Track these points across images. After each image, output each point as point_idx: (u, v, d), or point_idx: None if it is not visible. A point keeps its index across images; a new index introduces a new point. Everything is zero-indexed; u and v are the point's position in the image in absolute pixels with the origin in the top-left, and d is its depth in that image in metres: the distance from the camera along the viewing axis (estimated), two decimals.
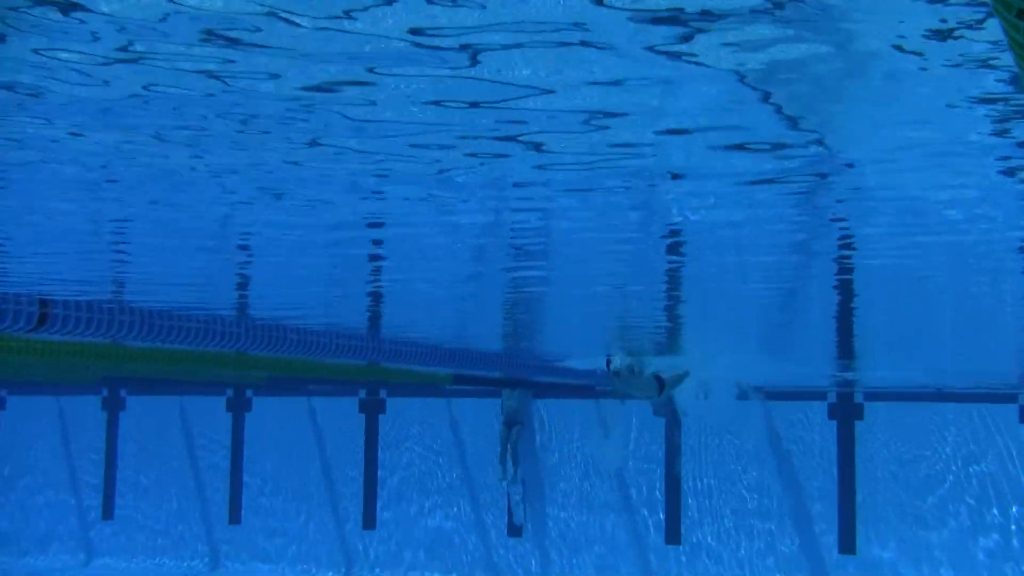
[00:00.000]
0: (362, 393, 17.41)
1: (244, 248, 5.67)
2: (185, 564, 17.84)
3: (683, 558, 15.72)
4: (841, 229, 4.66)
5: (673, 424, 15.81)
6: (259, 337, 8.86)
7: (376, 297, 7.06)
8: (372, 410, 17.41)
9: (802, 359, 11.60)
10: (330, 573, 17.11)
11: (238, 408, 17.98)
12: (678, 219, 4.55)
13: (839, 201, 4.16)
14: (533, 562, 16.43)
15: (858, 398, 15.29)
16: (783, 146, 3.35)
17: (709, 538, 15.64)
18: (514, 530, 16.60)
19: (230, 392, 17.88)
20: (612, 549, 16.07)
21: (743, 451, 15.69)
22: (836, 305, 7.03)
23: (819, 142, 3.39)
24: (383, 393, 17.33)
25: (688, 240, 5.14)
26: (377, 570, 17.01)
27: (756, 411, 15.71)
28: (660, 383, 10.89)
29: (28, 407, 18.92)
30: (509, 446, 16.62)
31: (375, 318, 8.66)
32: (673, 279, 6.13)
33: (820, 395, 15.49)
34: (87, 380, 16.37)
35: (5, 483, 18.97)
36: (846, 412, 15.36)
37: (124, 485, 18.41)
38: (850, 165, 3.72)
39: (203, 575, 17.30)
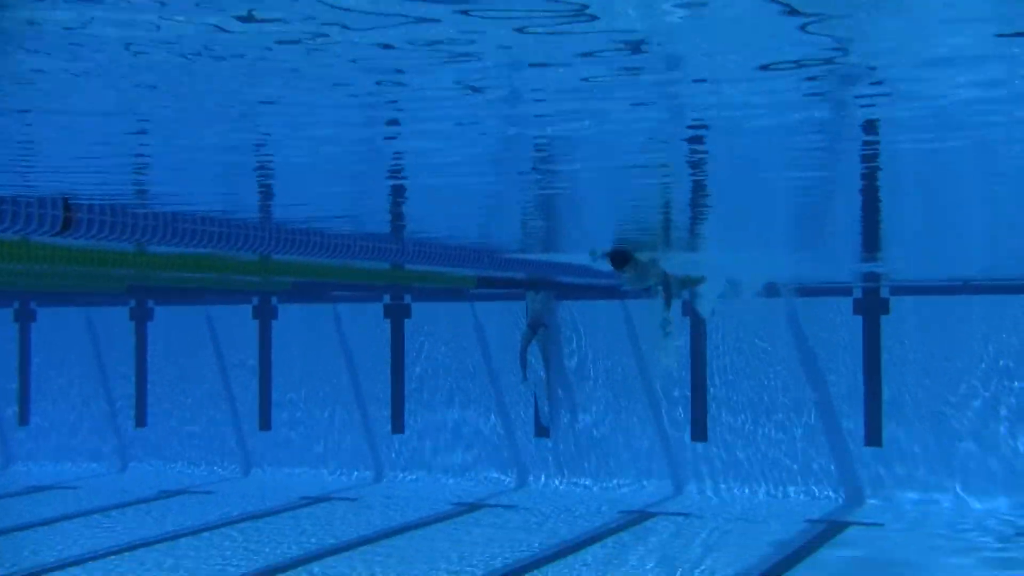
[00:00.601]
0: (387, 298, 17.49)
1: (262, 145, 5.59)
2: (218, 469, 18.15)
3: (710, 455, 15.85)
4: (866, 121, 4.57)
5: (698, 322, 15.83)
6: (283, 240, 8.88)
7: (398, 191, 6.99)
8: (397, 315, 17.50)
9: (827, 254, 11.50)
10: (361, 476, 17.37)
11: (264, 316, 18.11)
12: (698, 108, 4.47)
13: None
14: (561, 462, 16.63)
15: (884, 292, 15.24)
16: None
17: (735, 435, 15.76)
18: (542, 431, 16.77)
19: (256, 300, 18.00)
20: (639, 447, 16.22)
21: (768, 348, 15.71)
22: (861, 194, 6.93)
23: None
24: (407, 298, 17.41)
25: (710, 130, 5.06)
26: (407, 473, 17.26)
27: (781, 308, 15.71)
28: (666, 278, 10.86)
29: (57, 318, 19.14)
30: (536, 348, 16.71)
31: (398, 219, 8.62)
32: (697, 170, 6.04)
33: (845, 290, 15.44)
34: (114, 290, 16.52)
35: (40, 394, 19.26)
36: (872, 307, 15.32)
37: (155, 394, 18.66)
38: (873, 68, 3.65)
39: (236, 480, 17.59)
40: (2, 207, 6.53)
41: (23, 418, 19.30)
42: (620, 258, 10.20)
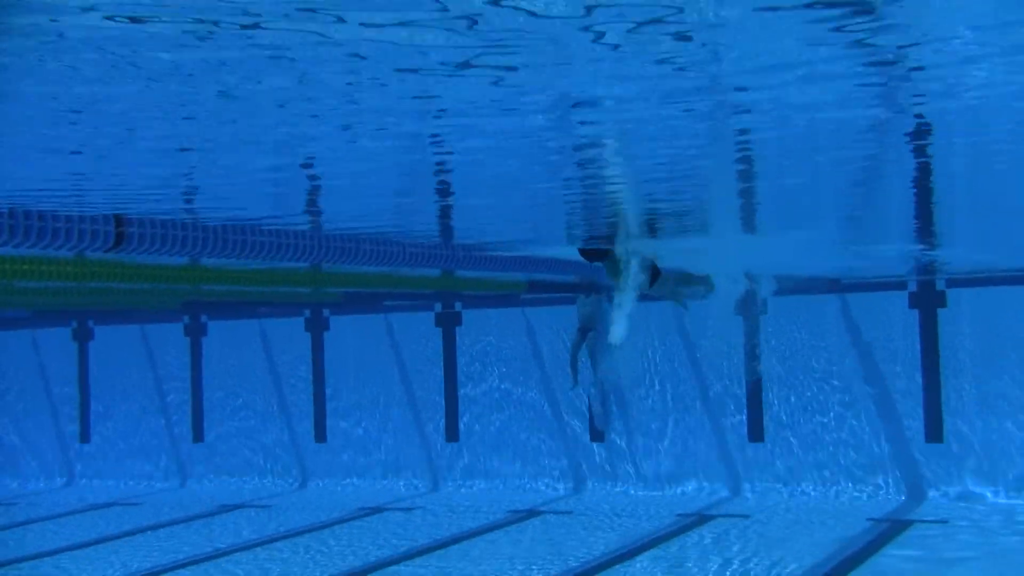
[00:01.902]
0: (438, 307, 17.53)
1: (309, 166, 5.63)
2: (275, 482, 18.27)
3: (768, 454, 15.70)
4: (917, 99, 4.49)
5: (752, 321, 15.70)
6: (334, 249, 8.92)
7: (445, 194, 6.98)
8: (449, 323, 17.54)
9: (880, 241, 11.27)
10: (417, 485, 17.40)
11: (316, 328, 18.23)
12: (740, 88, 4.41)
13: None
14: (616, 466, 16.55)
15: (940, 285, 15.02)
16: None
17: (792, 434, 15.60)
18: (596, 435, 16.71)
19: (308, 312, 18.13)
20: (695, 449, 16.10)
21: (823, 345, 15.54)
22: (914, 180, 6.81)
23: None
24: (458, 306, 17.43)
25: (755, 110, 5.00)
26: (463, 480, 17.27)
27: (835, 304, 15.54)
28: (655, 273, 9.66)
29: (114, 336, 19.39)
30: (586, 351, 16.66)
31: (446, 224, 8.63)
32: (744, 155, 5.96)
33: (900, 284, 15.24)
34: (168, 306, 16.72)
35: (100, 410, 19.51)
36: (928, 300, 15.10)
37: (211, 408, 18.84)
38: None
39: (293, 493, 17.70)
40: (56, 225, 6.62)
41: (84, 436, 19.57)
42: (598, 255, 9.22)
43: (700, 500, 15.44)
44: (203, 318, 18.81)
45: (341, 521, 14.89)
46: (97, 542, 13.98)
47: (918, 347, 15.09)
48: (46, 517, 16.28)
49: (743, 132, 5.03)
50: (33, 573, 12.17)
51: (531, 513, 14.97)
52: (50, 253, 8.34)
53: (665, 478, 16.22)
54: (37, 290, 11.73)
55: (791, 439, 15.61)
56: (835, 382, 15.46)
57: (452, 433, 17.44)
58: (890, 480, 15.07)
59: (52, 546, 13.75)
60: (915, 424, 15.02)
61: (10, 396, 20.02)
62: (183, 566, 12.21)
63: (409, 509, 15.73)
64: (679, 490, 16.03)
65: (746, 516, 14.10)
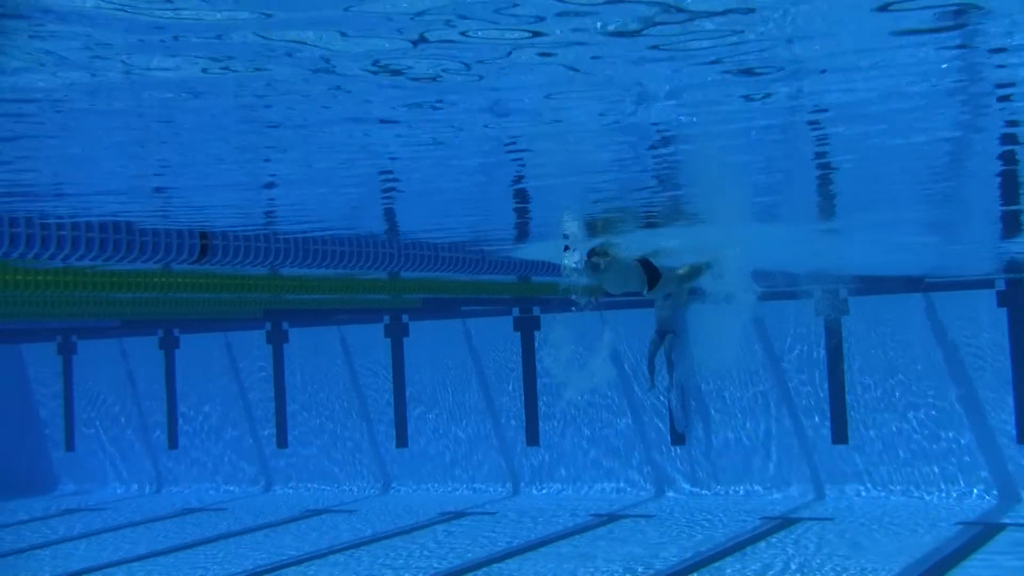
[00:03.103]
0: (516, 311, 17.56)
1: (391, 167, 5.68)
2: (357, 487, 18.45)
3: (852, 457, 15.46)
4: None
5: (834, 321, 15.48)
6: (412, 257, 8.99)
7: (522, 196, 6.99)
8: (527, 327, 17.56)
9: (964, 239, 10.99)
10: (497, 490, 17.45)
11: (396, 333, 18.38)
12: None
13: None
14: (698, 468, 16.43)
15: None
16: None
17: (877, 435, 15.34)
18: (677, 438, 16.60)
19: (387, 318, 18.28)
20: (778, 452, 15.92)
21: (907, 345, 15.27)
22: (1000, 172, 6.65)
23: None
24: (536, 310, 17.45)
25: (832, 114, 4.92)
26: (543, 485, 17.28)
27: (919, 304, 15.26)
28: (649, 272, 8.83)
29: (199, 344, 19.75)
30: (664, 355, 16.56)
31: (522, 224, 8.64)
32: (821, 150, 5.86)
33: (987, 283, 14.91)
34: (251, 314, 16.97)
35: (184, 418, 19.88)
36: (1017, 298, 14.75)
37: (293, 415, 19.08)
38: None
39: (375, 498, 17.85)
40: (144, 239, 6.77)
41: (172, 442, 19.96)
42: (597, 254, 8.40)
43: (784, 503, 15.25)
44: (284, 325, 19.07)
45: (424, 526, 14.98)
46: (186, 547, 14.24)
47: (1007, 346, 14.75)
48: (136, 522, 16.63)
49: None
50: (129, 575, 12.45)
51: (612, 517, 14.92)
52: (138, 266, 8.54)
53: (747, 480, 16.06)
54: (126, 301, 12.02)
55: (876, 441, 15.35)
56: (920, 382, 15.17)
57: (532, 437, 17.46)
58: (980, 482, 14.75)
59: (143, 551, 14.04)
60: (1006, 424, 14.67)
61: (100, 404, 20.50)
62: (270, 571, 12.38)
63: (490, 513, 15.77)
64: (761, 493, 15.85)
65: (830, 519, 13.90)
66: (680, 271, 9.40)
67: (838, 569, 11.03)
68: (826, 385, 15.75)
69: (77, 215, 6.53)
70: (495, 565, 12.14)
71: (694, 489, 16.37)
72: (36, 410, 20.98)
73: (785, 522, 13.88)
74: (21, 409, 20.94)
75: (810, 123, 4.89)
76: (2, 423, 20.46)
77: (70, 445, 20.76)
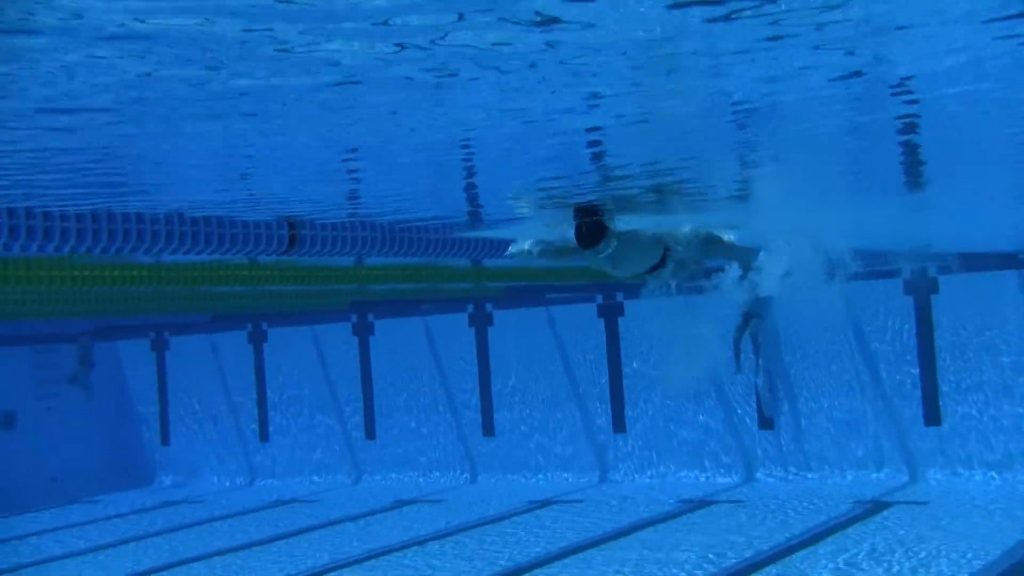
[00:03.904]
0: (599, 298, 17.53)
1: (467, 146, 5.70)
2: (445, 477, 18.59)
3: (946, 439, 15.16)
4: None
5: (923, 302, 15.19)
6: (493, 244, 9.03)
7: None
8: (611, 314, 17.51)
9: None
10: (584, 478, 17.45)
11: (480, 323, 18.46)
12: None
13: None
14: (787, 452, 16.24)
15: None
16: None
17: (970, 417, 15.01)
18: (765, 423, 16.44)
19: (471, 307, 18.37)
20: (869, 434, 15.67)
21: (999, 323, 14.91)
22: None
23: None
24: (620, 296, 17.39)
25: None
26: (631, 472, 17.23)
27: (1012, 281, 14.90)
28: (663, 254, 7.89)
29: (287, 338, 20.05)
30: (749, 338, 16.41)
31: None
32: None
33: None
34: (337, 306, 17.22)
35: (273, 411, 20.21)
36: None
37: (381, 406, 19.28)
38: None
39: (463, 488, 17.97)
40: (233, 231, 6.90)
41: (263, 435, 20.31)
42: (593, 233, 7.28)
43: (876, 487, 15.01)
44: (370, 317, 19.27)
45: (511, 515, 15.04)
46: (280, 538, 14.49)
47: None
48: (231, 514, 16.96)
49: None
50: (222, 569, 12.70)
51: (701, 503, 14.83)
52: (227, 258, 8.71)
53: (838, 464, 15.84)
54: (216, 295, 12.28)
55: (969, 423, 15.02)
56: (1016, 362, 14.81)
57: (619, 424, 17.42)
58: None
59: (238, 542, 14.32)
60: None
61: (193, 398, 20.93)
62: (362, 561, 12.55)
63: (578, 501, 15.78)
64: (853, 477, 15.62)
65: (924, 503, 13.66)
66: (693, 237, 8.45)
67: (933, 554, 10.83)
68: (917, 366, 15.45)
69: (161, 208, 6.67)
70: (583, 552, 12.15)
71: (783, 474, 16.20)
72: (133, 405, 21.52)
73: (878, 506, 13.66)
74: (119, 404, 21.48)
75: (894, 87, 4.78)
76: (101, 418, 21.01)
77: (165, 439, 21.24)
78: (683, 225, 8.29)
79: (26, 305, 12.59)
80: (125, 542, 15.07)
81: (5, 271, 8.59)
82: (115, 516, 17.63)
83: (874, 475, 15.53)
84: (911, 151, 6.75)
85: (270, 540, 14.34)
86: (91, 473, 20.26)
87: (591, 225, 7.20)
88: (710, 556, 11.41)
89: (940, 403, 15.24)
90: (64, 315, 14.41)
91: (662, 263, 7.98)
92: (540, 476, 17.84)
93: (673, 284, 8.30)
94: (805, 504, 14.18)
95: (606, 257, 7.45)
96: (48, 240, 6.22)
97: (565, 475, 17.66)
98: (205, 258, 8.79)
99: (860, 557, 10.90)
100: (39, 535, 16.16)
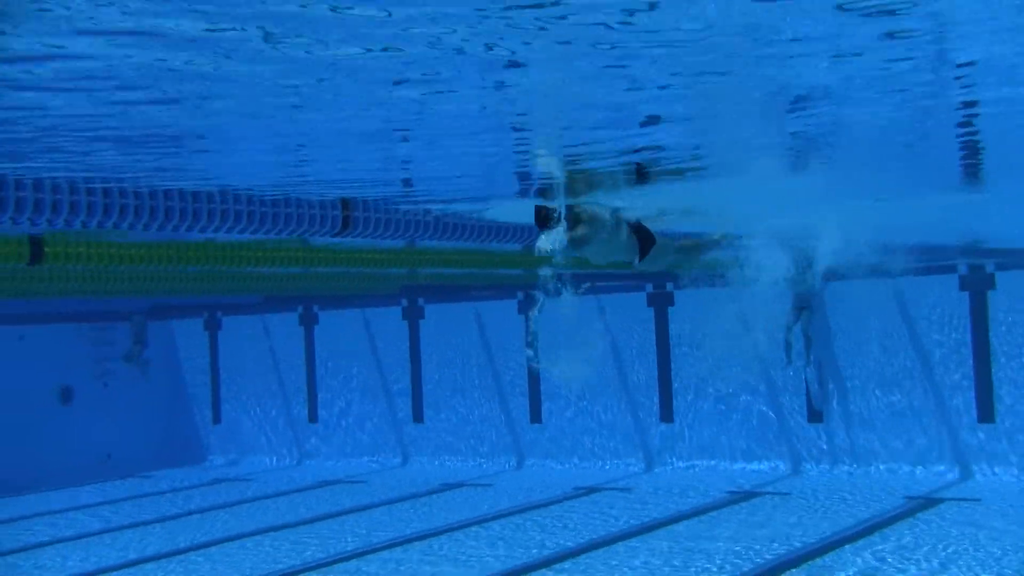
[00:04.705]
0: (649, 287, 17.48)
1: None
2: (492, 462, 18.66)
3: (999, 436, 14.97)
4: None
5: (979, 295, 14.99)
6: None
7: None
8: (660, 303, 17.47)
9: None
10: (631, 466, 17.44)
11: (530, 309, 18.45)
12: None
13: None
14: (837, 446, 16.13)
15: None
16: None
17: None
18: (814, 415, 16.33)
19: (520, 295, 18.40)
20: (920, 429, 15.51)
21: None
22: None
23: None
24: (670, 286, 17.34)
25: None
26: (678, 462, 17.20)
27: None
28: (642, 238, 7.43)
29: (337, 321, 20.22)
30: (800, 330, 16.29)
31: None
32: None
33: None
34: (388, 290, 17.32)
35: (323, 392, 20.40)
36: None
37: (430, 390, 19.39)
38: None
39: (509, 473, 18.03)
40: (287, 210, 6.98)
41: (312, 416, 20.51)
42: (553, 216, 6.82)
43: (927, 483, 14.86)
44: (420, 301, 19.37)
45: (558, 500, 15.08)
46: (328, 517, 14.65)
47: None
48: (279, 493, 17.16)
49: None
50: (271, 547, 12.87)
51: (748, 494, 14.77)
52: (281, 238, 8.79)
53: (888, 459, 15.70)
54: (269, 276, 12.43)
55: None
56: None
57: (666, 414, 17.38)
58: None
59: (286, 520, 14.49)
60: None
61: (244, 378, 21.18)
62: (409, 542, 12.65)
63: (625, 489, 15.79)
64: (903, 472, 15.48)
65: (976, 500, 13.50)
66: (687, 242, 8.18)
67: (984, 552, 10.70)
68: (971, 361, 15.26)
69: (216, 187, 6.75)
70: (630, 540, 12.16)
71: (832, 467, 16.09)
72: (185, 384, 21.82)
73: (928, 502, 13.53)
74: (172, 383, 21.80)
75: (956, 74, 4.73)
76: (155, 396, 21.34)
77: (217, 418, 21.52)
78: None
79: (84, 282, 12.81)
80: (176, 517, 15.31)
81: (66, 248, 8.76)
82: (168, 491, 17.91)
83: (925, 471, 15.38)
84: (971, 144, 6.68)
85: (318, 519, 14.50)
86: (144, 450, 20.60)
87: (547, 209, 6.86)
88: (755, 547, 11.37)
89: (994, 400, 15.05)
90: (120, 293, 14.64)
91: (640, 260, 7.54)
92: (587, 463, 17.86)
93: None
94: (853, 498, 14.07)
95: (574, 240, 7.05)
96: (107, 217, 6.32)
97: (612, 463, 17.66)
98: (259, 238, 8.89)
99: (909, 553, 10.80)
100: (93, 507, 16.46)
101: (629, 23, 3.59)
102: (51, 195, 5.87)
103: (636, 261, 7.55)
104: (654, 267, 8.03)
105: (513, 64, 4.10)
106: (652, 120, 5.47)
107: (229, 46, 3.74)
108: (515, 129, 5.59)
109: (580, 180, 7.00)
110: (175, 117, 4.91)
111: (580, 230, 6.97)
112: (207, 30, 3.53)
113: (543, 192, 7.23)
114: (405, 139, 5.74)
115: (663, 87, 4.59)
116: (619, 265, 7.84)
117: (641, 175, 6.96)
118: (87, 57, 3.77)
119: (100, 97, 4.45)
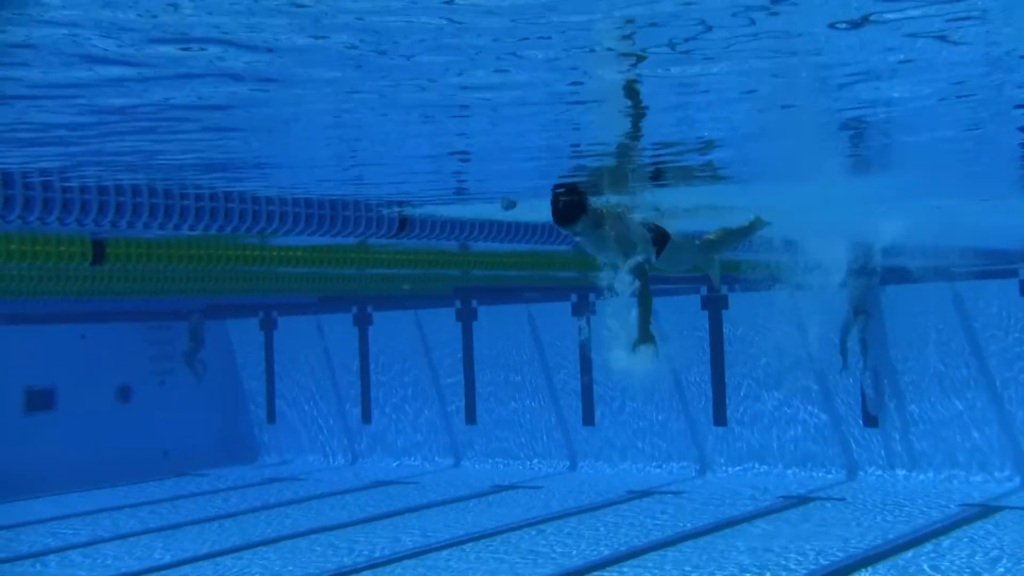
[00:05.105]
0: (703, 290, 17.39)
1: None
2: (544, 464, 18.65)
3: None
4: None
5: None
6: None
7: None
8: (715, 307, 17.36)
9: None
10: (684, 470, 17.36)
11: (583, 312, 18.46)
12: None
13: None
14: (893, 451, 15.93)
15: None
16: None
17: None
18: (870, 420, 16.14)
19: (574, 296, 18.39)
20: (979, 435, 15.28)
21: None
22: None
23: None
24: (724, 289, 17.23)
25: None
26: (731, 466, 17.08)
27: None
28: (659, 239, 7.23)
29: (391, 322, 20.33)
30: (856, 334, 16.11)
31: None
32: None
33: None
34: (442, 291, 17.39)
35: (376, 393, 20.51)
36: None
37: (482, 391, 19.42)
38: None
39: (562, 475, 18.02)
40: (345, 213, 7.04)
41: (365, 417, 20.63)
42: (571, 210, 6.67)
43: (985, 490, 14.63)
44: (473, 303, 19.42)
45: (610, 504, 15.04)
46: (382, 517, 14.72)
47: None
48: (332, 493, 17.28)
49: None
50: (325, 546, 12.96)
51: (803, 499, 14.64)
52: (337, 240, 8.87)
53: (945, 465, 15.47)
54: (325, 277, 12.53)
55: None
56: None
57: (720, 417, 17.27)
58: None
59: (339, 520, 14.58)
60: None
61: (299, 378, 21.36)
62: (462, 543, 12.68)
63: (677, 493, 15.71)
64: (961, 478, 15.25)
65: None
66: (710, 236, 7.81)
67: None
68: None
69: (275, 189, 6.83)
70: (682, 544, 12.09)
71: (888, 473, 15.89)
72: (241, 383, 22.05)
73: (987, 510, 13.31)
74: (228, 382, 22.04)
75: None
76: (211, 395, 21.59)
77: (271, 417, 21.72)
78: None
79: (143, 282, 13.00)
80: (232, 515, 15.47)
81: (127, 248, 8.89)
82: (223, 490, 18.10)
83: (983, 478, 15.14)
84: None
85: (370, 519, 14.58)
86: (200, 448, 20.83)
87: (568, 202, 6.68)
88: (809, 553, 11.27)
89: None
90: (178, 293, 14.85)
91: (657, 256, 7.38)
92: (639, 466, 17.80)
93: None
94: (909, 504, 13.89)
95: (588, 240, 6.97)
96: (168, 219, 6.42)
97: (664, 466, 17.59)
98: (316, 240, 8.97)
99: (967, 562, 10.64)
100: (151, 504, 16.68)
101: None
102: (115, 197, 5.97)
103: (654, 258, 7.43)
104: (676, 267, 7.87)
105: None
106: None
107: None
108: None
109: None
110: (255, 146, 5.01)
111: (607, 228, 6.90)
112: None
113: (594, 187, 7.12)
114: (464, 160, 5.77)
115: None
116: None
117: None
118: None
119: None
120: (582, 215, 6.71)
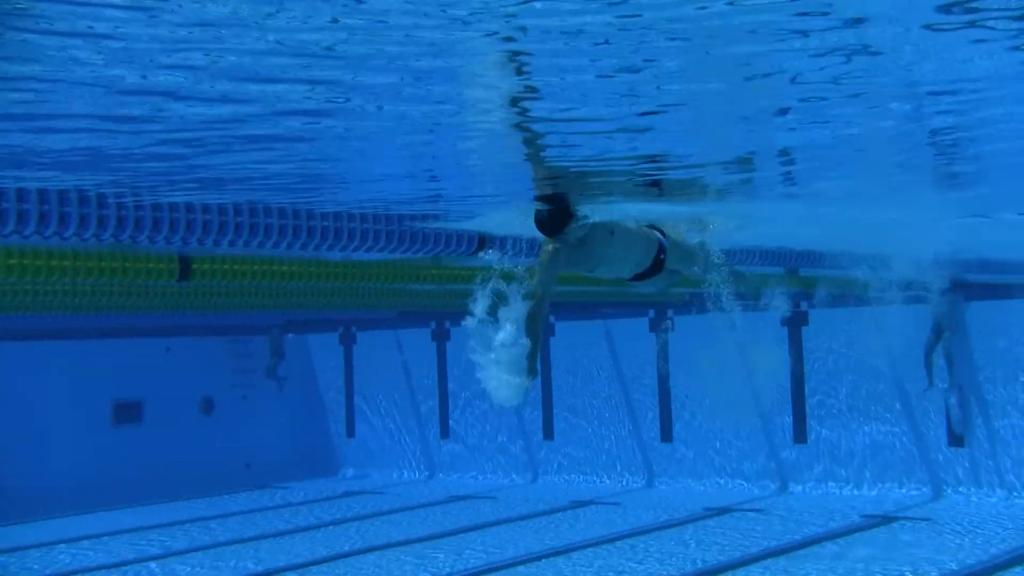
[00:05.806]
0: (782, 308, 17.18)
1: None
2: (622, 480, 18.59)
3: None
4: None
5: None
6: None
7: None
8: (795, 323, 17.17)
9: None
10: (764, 487, 17.17)
11: (661, 328, 18.38)
12: None
13: None
14: (980, 471, 15.58)
15: None
16: None
17: None
18: (955, 439, 15.81)
19: (652, 312, 18.32)
20: None
21: None
22: None
23: None
24: (803, 305, 17.03)
25: None
26: (812, 484, 16.86)
27: None
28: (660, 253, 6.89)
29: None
30: (941, 352, 15.81)
31: None
32: None
33: None
34: None
35: (454, 408, 20.61)
36: None
37: (559, 407, 19.41)
38: None
39: (640, 492, 17.93)
40: (425, 230, 7.13)
41: (444, 432, 20.74)
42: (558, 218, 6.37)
43: None
44: (551, 319, 19.43)
45: (688, 520, 14.94)
46: (459, 531, 14.79)
47: None
48: (410, 507, 17.39)
49: None
50: (401, 558, 13.07)
51: (885, 519, 14.39)
52: (417, 257, 8.97)
53: None
54: (402, 292, 12.65)
55: None
56: None
57: (800, 434, 17.06)
58: None
59: (417, 534, 14.68)
60: None
61: (378, 392, 21.55)
62: (539, 559, 12.69)
63: (757, 510, 15.54)
64: None
65: None
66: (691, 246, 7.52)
67: None
68: None
69: (356, 206, 6.94)
70: (762, 562, 11.98)
71: (974, 493, 15.55)
72: (321, 397, 22.32)
73: None
74: (308, 396, 22.32)
75: None
76: (291, 408, 21.89)
77: (351, 431, 21.94)
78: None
79: (225, 298, 13.25)
80: (312, 528, 15.67)
81: (212, 264, 9.09)
82: (303, 503, 18.32)
83: None
84: None
85: (449, 534, 14.65)
86: (281, 461, 21.12)
87: (555, 211, 6.37)
88: (892, 573, 11.08)
89: None
90: (259, 308, 15.10)
91: (656, 268, 7.03)
92: (718, 483, 17.64)
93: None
94: (997, 525, 13.58)
95: (580, 255, 6.57)
96: (253, 235, 6.56)
97: (743, 483, 17.41)
98: (396, 256, 9.08)
99: None
100: (236, 516, 16.95)
101: None
102: (202, 216, 6.11)
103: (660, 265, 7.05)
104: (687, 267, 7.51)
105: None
106: None
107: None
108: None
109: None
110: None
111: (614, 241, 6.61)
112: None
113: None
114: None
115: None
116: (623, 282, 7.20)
117: None
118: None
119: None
120: (570, 220, 6.38)
